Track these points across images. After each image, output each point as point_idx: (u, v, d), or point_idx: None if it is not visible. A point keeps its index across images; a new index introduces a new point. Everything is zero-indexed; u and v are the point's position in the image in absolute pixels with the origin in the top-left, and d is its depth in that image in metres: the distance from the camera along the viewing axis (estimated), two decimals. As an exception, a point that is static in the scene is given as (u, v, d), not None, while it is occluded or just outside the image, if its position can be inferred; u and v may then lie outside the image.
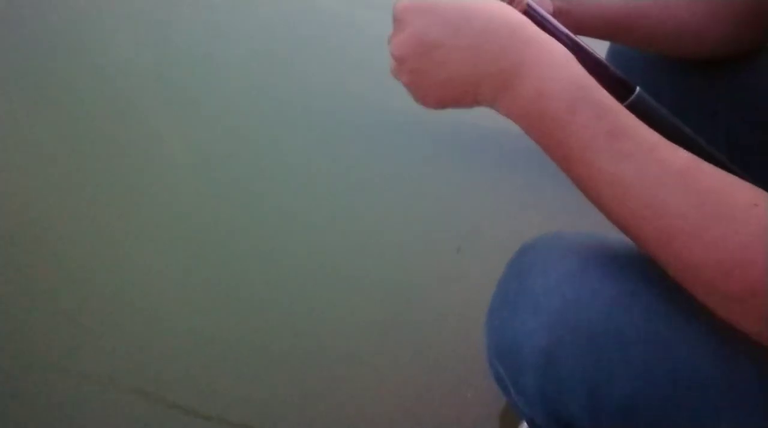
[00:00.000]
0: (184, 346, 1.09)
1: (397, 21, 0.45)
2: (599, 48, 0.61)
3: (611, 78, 0.56)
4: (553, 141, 0.41)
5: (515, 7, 0.54)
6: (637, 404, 0.40)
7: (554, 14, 0.57)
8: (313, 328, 1.13)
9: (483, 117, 1.42)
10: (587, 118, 0.39)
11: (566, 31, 0.55)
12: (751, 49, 0.63)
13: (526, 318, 0.44)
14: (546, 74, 0.41)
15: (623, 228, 0.40)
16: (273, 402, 1.03)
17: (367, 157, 1.38)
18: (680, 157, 0.39)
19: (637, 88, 0.55)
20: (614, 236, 0.46)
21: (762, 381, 0.39)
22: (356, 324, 1.14)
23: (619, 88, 0.56)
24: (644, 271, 0.43)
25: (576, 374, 0.41)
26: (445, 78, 0.44)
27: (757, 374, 0.39)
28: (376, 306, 1.17)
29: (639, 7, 0.60)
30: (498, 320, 0.47)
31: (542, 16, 0.55)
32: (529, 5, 0.55)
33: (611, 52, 0.70)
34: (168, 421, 1.00)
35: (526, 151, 1.26)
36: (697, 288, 0.36)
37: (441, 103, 0.46)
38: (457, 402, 1.04)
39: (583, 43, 0.56)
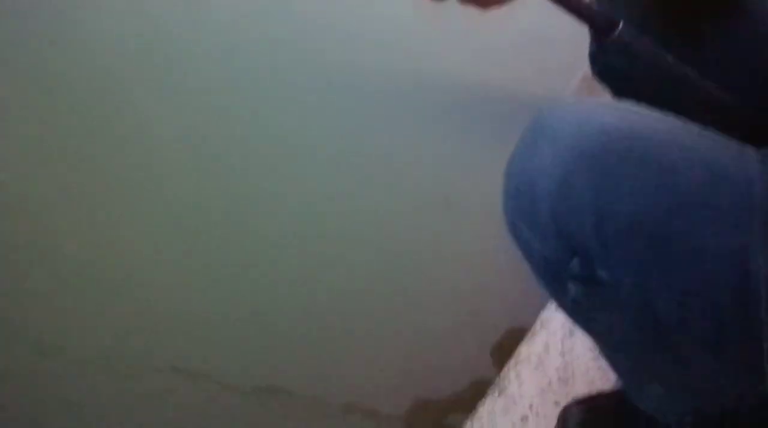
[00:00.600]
0: (184, 318, 1.12)
1: None
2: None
3: (595, 14, 0.59)
4: None
5: None
6: (640, 221, 0.46)
7: None
8: (307, 284, 1.16)
9: (472, 69, 1.45)
10: None
11: None
12: None
13: (543, 151, 0.49)
14: None
15: None
16: (276, 360, 1.08)
17: (354, 112, 1.39)
18: None
19: (621, 23, 0.58)
20: None
21: (747, 203, 0.45)
22: (349, 279, 1.16)
23: (603, 24, 0.59)
24: (653, 115, 0.49)
25: (587, 195, 0.46)
26: None
27: (746, 196, 0.45)
28: (366, 259, 1.19)
29: None
30: (516, 164, 0.52)
31: None
32: None
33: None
34: (170, 387, 1.05)
35: (517, 103, 1.29)
36: None
37: None
38: (448, 353, 1.08)
39: None
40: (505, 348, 1.02)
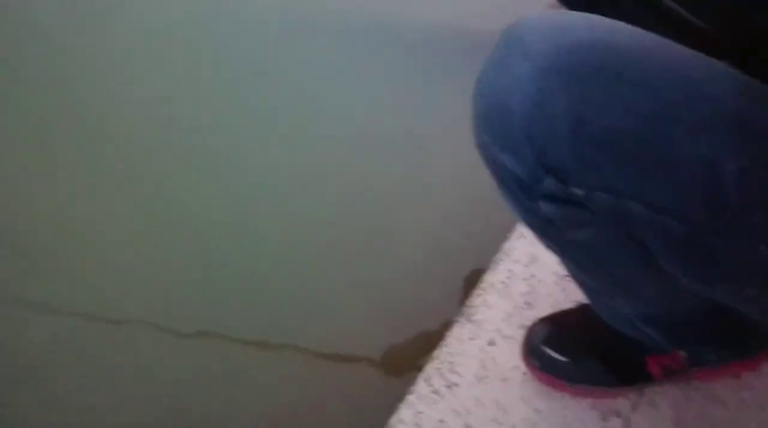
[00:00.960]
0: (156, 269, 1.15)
1: None
2: None
3: None
4: None
5: None
6: (615, 135, 0.47)
7: None
8: (275, 232, 1.18)
9: (437, 10, 1.44)
10: None
11: None
12: None
13: (516, 66, 0.48)
14: None
15: None
16: (250, 309, 1.10)
17: (326, 52, 1.38)
18: None
19: None
20: None
21: (719, 115, 0.46)
22: (317, 211, 1.19)
23: None
24: (628, 29, 0.48)
25: (562, 111, 0.46)
26: None
27: (725, 110, 0.46)
28: (333, 189, 1.21)
29: None
30: (488, 82, 0.51)
31: None
32: None
33: None
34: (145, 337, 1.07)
35: (483, 43, 1.30)
36: None
37: None
38: (418, 295, 1.10)
39: None
40: (472, 287, 1.05)
